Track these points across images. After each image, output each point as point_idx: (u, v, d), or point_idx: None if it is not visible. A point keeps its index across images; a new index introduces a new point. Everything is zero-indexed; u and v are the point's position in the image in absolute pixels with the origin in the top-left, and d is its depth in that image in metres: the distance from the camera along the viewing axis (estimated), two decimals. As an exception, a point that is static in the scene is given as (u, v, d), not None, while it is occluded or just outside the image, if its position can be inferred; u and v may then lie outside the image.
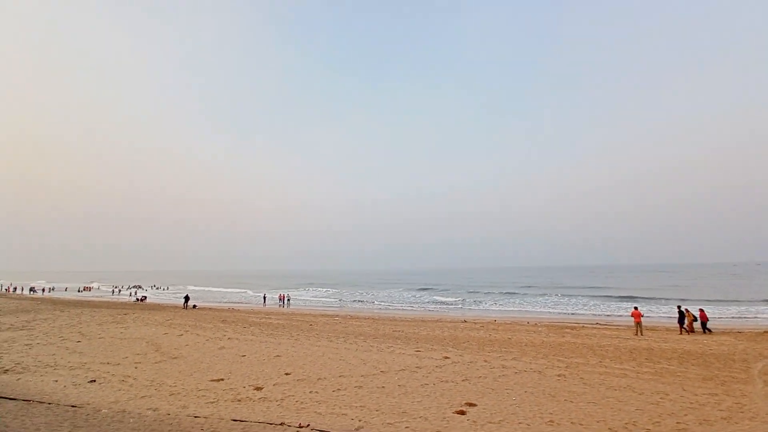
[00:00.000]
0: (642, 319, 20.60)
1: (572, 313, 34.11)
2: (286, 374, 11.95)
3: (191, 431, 6.78)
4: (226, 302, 49.95)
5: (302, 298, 56.68)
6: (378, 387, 10.60)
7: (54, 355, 14.38)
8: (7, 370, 11.90)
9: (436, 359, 14.02)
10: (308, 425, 7.47)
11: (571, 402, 9.21)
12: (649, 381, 11.11)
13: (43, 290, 69.18)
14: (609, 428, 7.59)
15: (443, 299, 50.99)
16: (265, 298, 51.17)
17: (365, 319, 28.74)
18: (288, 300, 47.60)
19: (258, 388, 10.54)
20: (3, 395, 8.70)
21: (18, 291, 64.46)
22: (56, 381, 11.13)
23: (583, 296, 47.89)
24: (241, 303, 48.93)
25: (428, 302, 48.39)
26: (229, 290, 77.29)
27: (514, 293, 57.07)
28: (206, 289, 78.43)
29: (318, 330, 21.48)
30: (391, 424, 7.87)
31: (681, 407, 8.83)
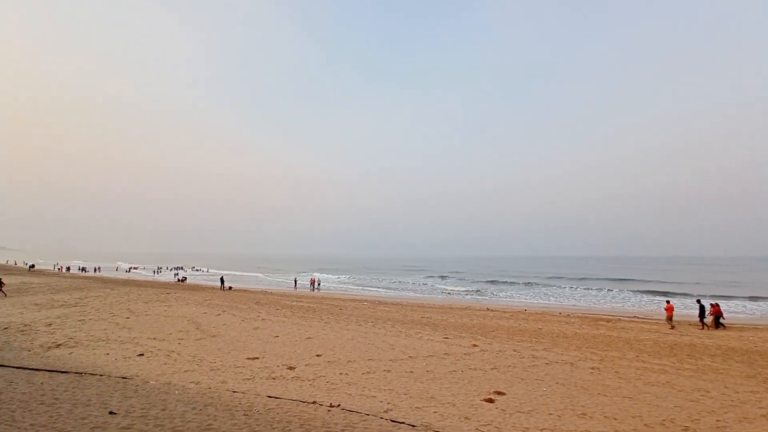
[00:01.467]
0: (674, 313, 20.68)
1: (607, 306, 32.86)
2: (317, 356, 12.36)
3: (231, 405, 7.18)
4: (256, 285, 51.80)
5: (330, 283, 57.79)
6: (406, 372, 10.77)
7: (105, 330, 15.56)
8: (60, 344, 12.97)
9: (465, 347, 14.03)
10: (339, 405, 7.72)
11: (605, 396, 9.00)
12: (690, 378, 10.65)
13: (94, 269, 74.42)
14: (645, 424, 7.38)
15: (467, 288, 50.33)
16: (296, 281, 52.70)
17: (393, 304, 29.03)
18: (318, 284, 48.82)
19: (291, 368, 10.99)
20: (55, 368, 9.42)
21: (71, 270, 69.67)
22: (107, 354, 12.08)
23: (617, 289, 45.76)
24: (273, 286, 50.60)
25: (452, 290, 47.98)
26: (242, 274, 78.42)
27: (538, 284, 55.22)
28: (220, 272, 78.94)
29: (347, 314, 21.95)
30: (419, 408, 8.00)
31: (721, 405, 8.49)
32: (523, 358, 12.60)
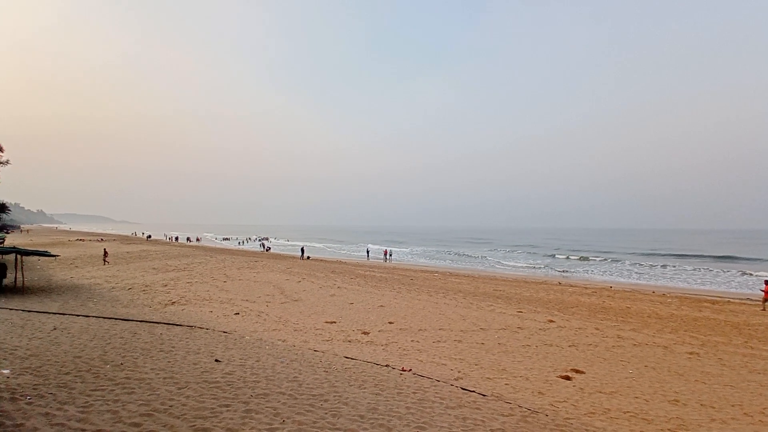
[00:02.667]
0: None
1: (711, 286, 28.83)
2: (390, 323, 12.92)
3: (313, 361, 7.92)
4: (330, 255, 54.76)
5: (400, 255, 58.73)
6: (477, 343, 10.80)
7: (208, 291, 17.92)
8: (174, 302, 15.48)
9: (540, 322, 13.55)
10: (410, 370, 8.07)
11: (703, 383, 8.14)
12: (812, 369, 9.15)
13: (196, 239, 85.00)
14: (745, 413, 6.64)
15: (538, 261, 47.41)
16: (368, 252, 54.72)
17: (464, 276, 28.82)
18: (390, 255, 50.17)
19: (365, 333, 11.68)
20: (171, 322, 11.29)
21: (179, 240, 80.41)
22: (211, 311, 13.97)
23: (723, 269, 39.31)
24: (346, 256, 53.14)
25: (524, 264, 45.57)
26: (312, 245, 79.60)
27: (624, 260, 48.47)
28: (297, 243, 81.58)
29: (418, 285, 22.37)
30: (490, 378, 8.03)
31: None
32: (607, 337, 11.80)
